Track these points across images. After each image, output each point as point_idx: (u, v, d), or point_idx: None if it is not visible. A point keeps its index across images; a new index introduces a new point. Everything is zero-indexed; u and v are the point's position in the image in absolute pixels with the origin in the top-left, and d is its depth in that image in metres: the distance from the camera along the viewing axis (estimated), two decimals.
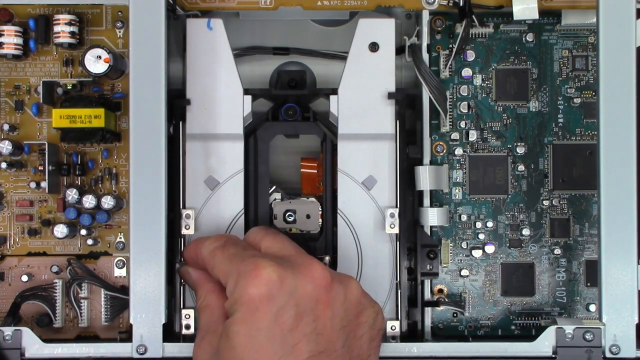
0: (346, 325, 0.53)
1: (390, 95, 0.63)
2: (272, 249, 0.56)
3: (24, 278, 0.66)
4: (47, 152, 0.65)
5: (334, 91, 0.64)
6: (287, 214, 0.65)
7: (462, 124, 0.70)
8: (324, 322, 0.52)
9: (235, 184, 0.64)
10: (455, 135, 0.70)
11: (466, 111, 0.70)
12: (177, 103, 0.63)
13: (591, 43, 0.70)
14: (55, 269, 0.66)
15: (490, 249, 0.70)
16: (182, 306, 0.61)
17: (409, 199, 0.66)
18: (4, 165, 0.65)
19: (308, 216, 0.65)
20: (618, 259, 0.59)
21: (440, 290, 0.70)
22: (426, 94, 0.66)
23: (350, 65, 0.64)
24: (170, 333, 0.61)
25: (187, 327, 0.61)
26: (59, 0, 0.65)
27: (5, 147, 0.63)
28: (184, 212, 0.62)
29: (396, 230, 0.63)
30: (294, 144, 0.71)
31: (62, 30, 0.64)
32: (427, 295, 0.68)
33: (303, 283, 0.52)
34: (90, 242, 0.66)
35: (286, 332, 0.50)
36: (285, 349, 0.50)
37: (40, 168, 0.66)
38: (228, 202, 0.64)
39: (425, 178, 0.65)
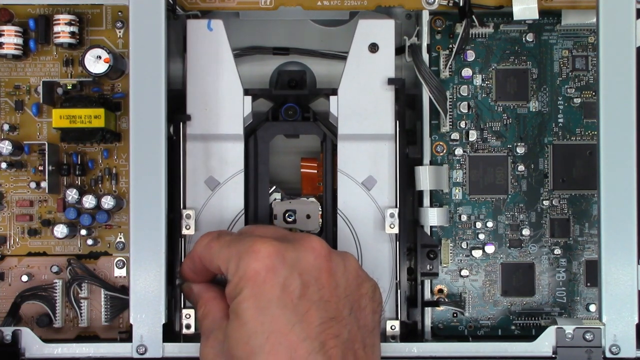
0: (349, 294, 0.54)
1: (390, 82, 0.63)
2: (267, 233, 0.56)
3: (24, 278, 0.66)
4: (47, 152, 0.65)
5: (334, 91, 0.64)
6: (287, 214, 0.65)
7: (462, 124, 0.70)
8: (329, 290, 0.52)
9: (236, 184, 0.64)
10: (455, 135, 0.70)
11: (466, 111, 0.70)
12: (177, 117, 0.63)
13: (591, 43, 0.70)
14: (55, 269, 0.66)
15: (490, 249, 0.70)
16: (182, 306, 0.61)
17: (409, 199, 0.66)
18: (4, 165, 0.65)
19: (308, 216, 0.65)
20: (618, 259, 0.59)
21: (440, 290, 0.70)
22: (426, 94, 0.66)
23: (350, 65, 0.64)
24: (170, 333, 0.61)
25: (188, 327, 0.61)
26: (59, 0, 0.65)
27: (5, 147, 0.63)
28: (185, 212, 0.62)
29: (396, 230, 0.63)
30: (294, 144, 0.71)
31: (62, 30, 0.64)
32: (427, 295, 0.68)
33: (304, 254, 0.53)
34: (90, 242, 0.66)
35: (296, 300, 0.51)
36: (297, 316, 0.50)
37: (40, 168, 0.66)
38: (228, 202, 0.64)
39: (425, 178, 0.65)
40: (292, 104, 0.66)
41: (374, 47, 0.64)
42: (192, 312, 0.61)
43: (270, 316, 0.50)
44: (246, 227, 0.60)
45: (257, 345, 0.50)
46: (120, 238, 0.66)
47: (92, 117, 0.62)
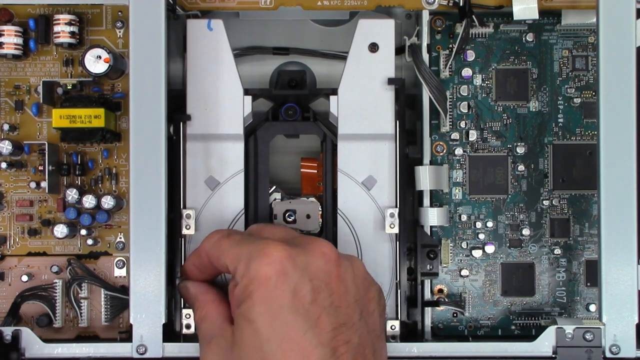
0: (359, 299, 0.54)
1: (390, 81, 0.63)
2: (276, 235, 0.56)
3: (24, 278, 0.66)
4: (47, 152, 0.65)
5: (334, 91, 0.64)
6: (287, 214, 0.65)
7: (462, 124, 0.70)
8: (339, 295, 0.52)
9: (236, 184, 0.64)
10: (455, 135, 0.70)
11: (466, 111, 0.70)
12: (177, 117, 0.63)
13: (591, 43, 0.70)
14: (55, 269, 0.66)
15: (490, 249, 0.70)
16: (182, 306, 0.61)
17: (409, 199, 0.66)
18: (4, 165, 0.65)
19: (308, 216, 0.65)
20: (618, 259, 0.59)
21: (440, 290, 0.70)
22: (426, 94, 0.66)
23: (350, 65, 0.64)
24: (170, 333, 0.61)
25: (188, 326, 0.61)
26: (59, 0, 0.65)
27: (5, 147, 0.63)
28: (185, 212, 0.62)
29: (396, 230, 0.63)
30: (294, 144, 0.71)
31: (62, 30, 0.64)
32: (427, 295, 0.68)
33: (314, 259, 0.52)
34: (90, 242, 0.66)
35: (307, 306, 0.50)
36: (309, 322, 0.50)
37: (40, 168, 0.66)
38: (228, 202, 0.64)
39: (425, 178, 0.65)
40: (292, 104, 0.66)
41: (374, 47, 0.64)
42: (192, 312, 0.61)
43: (282, 322, 0.50)
44: (254, 226, 0.60)
45: (271, 351, 0.49)
46: (120, 238, 0.66)
47: (92, 117, 0.62)
